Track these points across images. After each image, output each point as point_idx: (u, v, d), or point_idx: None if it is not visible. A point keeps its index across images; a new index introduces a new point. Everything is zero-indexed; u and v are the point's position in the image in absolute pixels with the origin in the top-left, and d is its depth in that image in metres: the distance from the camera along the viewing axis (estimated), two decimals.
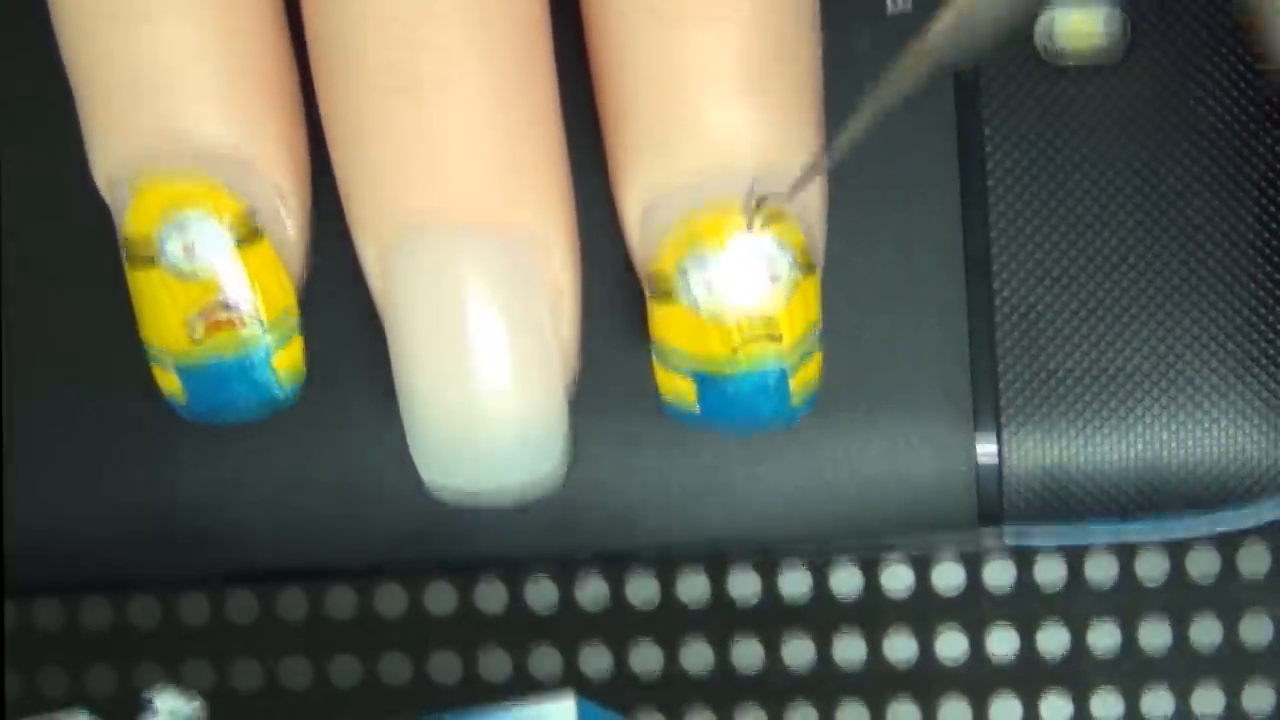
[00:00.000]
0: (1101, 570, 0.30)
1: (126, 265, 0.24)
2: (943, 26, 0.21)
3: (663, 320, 0.24)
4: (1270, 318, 0.26)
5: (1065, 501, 0.26)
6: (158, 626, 0.29)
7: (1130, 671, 0.30)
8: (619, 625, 0.29)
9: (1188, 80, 0.26)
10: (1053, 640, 0.30)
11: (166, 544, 0.27)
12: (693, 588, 0.29)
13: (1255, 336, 0.26)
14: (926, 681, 0.30)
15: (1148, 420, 0.26)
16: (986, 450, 0.26)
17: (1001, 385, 0.26)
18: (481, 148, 0.23)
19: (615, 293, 0.26)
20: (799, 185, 0.23)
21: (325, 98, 0.24)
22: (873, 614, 0.30)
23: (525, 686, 0.29)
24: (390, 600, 0.29)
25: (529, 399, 0.24)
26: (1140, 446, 0.26)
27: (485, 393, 0.24)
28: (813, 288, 0.24)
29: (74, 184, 0.25)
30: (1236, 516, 0.26)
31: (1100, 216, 0.26)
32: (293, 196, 0.25)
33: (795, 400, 0.25)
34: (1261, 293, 0.26)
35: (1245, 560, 0.30)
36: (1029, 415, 0.26)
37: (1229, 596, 0.30)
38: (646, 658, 0.30)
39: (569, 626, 0.29)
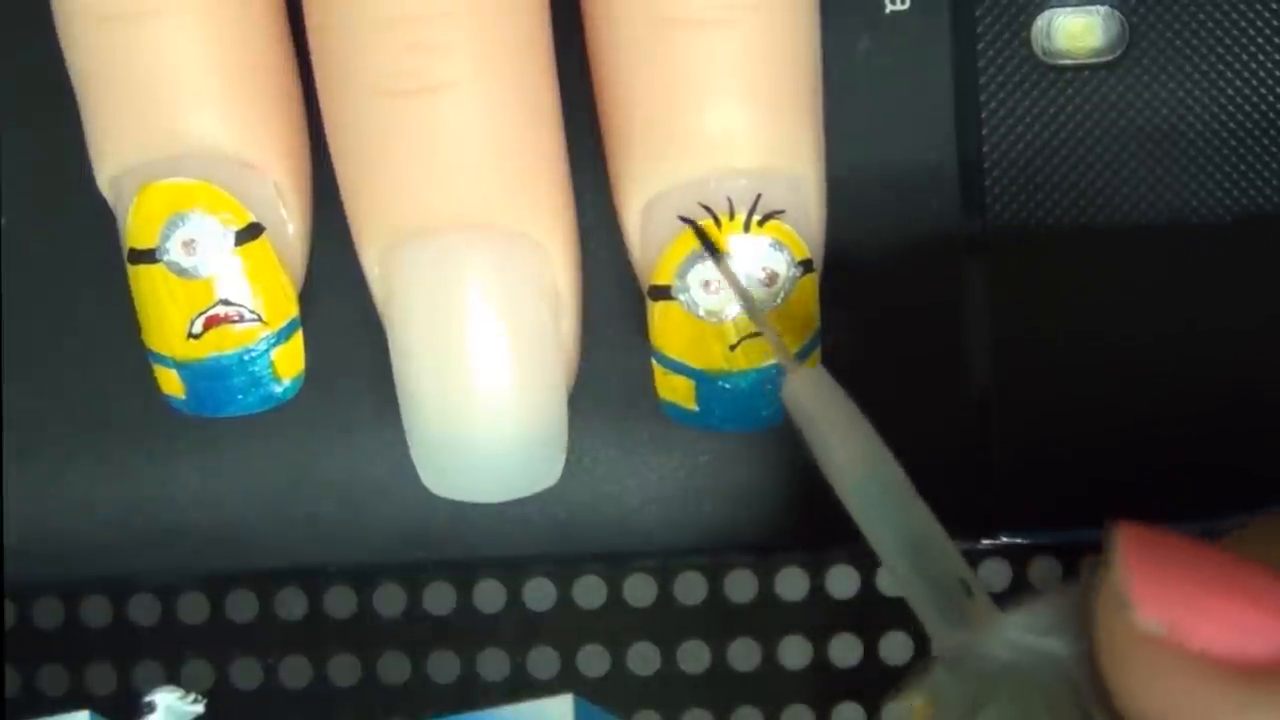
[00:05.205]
0: None
1: (128, 264, 0.25)
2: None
3: (662, 320, 0.25)
4: (1268, 318, 0.26)
5: (1061, 503, 0.26)
6: (157, 625, 0.29)
7: None
8: (617, 625, 0.29)
9: (1184, 80, 0.26)
10: None
11: (166, 543, 0.27)
12: (690, 588, 0.29)
13: (1253, 337, 0.26)
14: None
15: (1145, 423, 0.26)
16: (984, 452, 0.26)
17: (1000, 386, 0.26)
18: (483, 151, 0.23)
19: (614, 293, 0.26)
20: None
21: (327, 99, 0.24)
22: (869, 614, 0.30)
23: (523, 686, 0.29)
24: (389, 600, 0.29)
25: (529, 400, 0.24)
26: (1136, 449, 0.26)
27: (485, 394, 0.24)
28: (811, 287, 0.24)
29: (74, 185, 0.25)
30: (1232, 520, 0.26)
31: (1097, 214, 0.26)
32: (292, 196, 0.25)
33: None
34: (1260, 292, 0.26)
35: None
36: (1026, 416, 0.26)
37: None
38: (644, 658, 0.30)
39: (567, 626, 0.29)
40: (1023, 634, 0.21)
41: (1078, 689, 0.20)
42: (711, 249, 0.24)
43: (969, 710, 0.20)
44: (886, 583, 0.30)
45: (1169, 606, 0.19)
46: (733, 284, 0.24)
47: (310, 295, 0.26)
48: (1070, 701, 0.20)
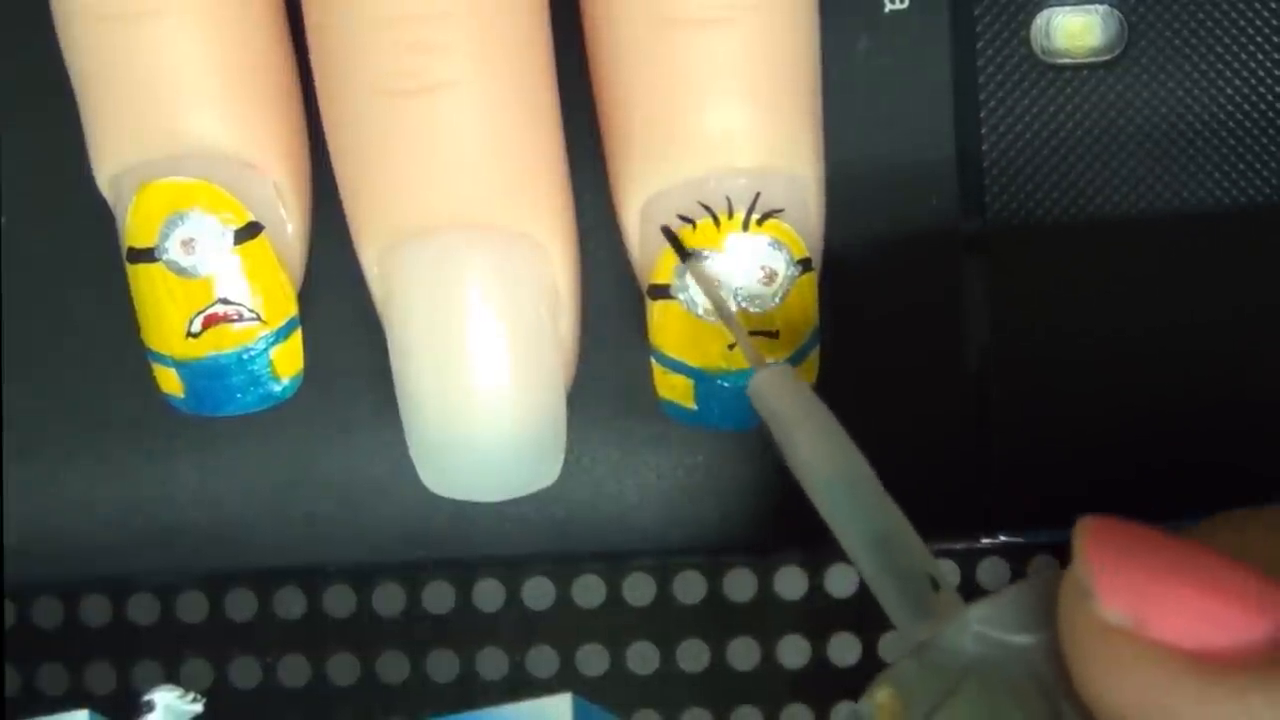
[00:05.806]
0: None
1: (127, 263, 0.25)
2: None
3: (661, 319, 0.25)
4: (1268, 316, 0.26)
5: (1060, 501, 0.26)
6: (156, 624, 0.30)
7: None
8: (616, 625, 0.29)
9: (1183, 79, 0.26)
10: None
11: (166, 542, 0.27)
12: (689, 587, 0.29)
13: (1252, 336, 0.26)
14: None
15: (1145, 421, 0.26)
16: (984, 450, 0.26)
17: (999, 384, 0.26)
18: (483, 151, 0.23)
19: (614, 293, 0.26)
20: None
21: (327, 99, 0.24)
22: (868, 613, 0.30)
23: (522, 685, 0.29)
24: (388, 599, 0.29)
25: (528, 400, 0.24)
26: (1136, 447, 0.26)
27: (484, 393, 0.24)
28: (810, 286, 0.24)
29: (74, 185, 0.25)
30: None
31: (1097, 213, 0.26)
32: (292, 195, 0.25)
33: None
34: (1259, 290, 0.26)
35: None
36: (1025, 414, 0.26)
37: None
38: (643, 657, 0.30)
39: (566, 626, 0.29)
40: (988, 626, 0.21)
41: (1043, 680, 0.20)
42: (681, 251, 0.24)
43: (936, 702, 0.20)
44: None
45: (1130, 596, 0.19)
46: (709, 291, 0.24)
47: (310, 295, 0.26)
48: (1036, 692, 0.20)
